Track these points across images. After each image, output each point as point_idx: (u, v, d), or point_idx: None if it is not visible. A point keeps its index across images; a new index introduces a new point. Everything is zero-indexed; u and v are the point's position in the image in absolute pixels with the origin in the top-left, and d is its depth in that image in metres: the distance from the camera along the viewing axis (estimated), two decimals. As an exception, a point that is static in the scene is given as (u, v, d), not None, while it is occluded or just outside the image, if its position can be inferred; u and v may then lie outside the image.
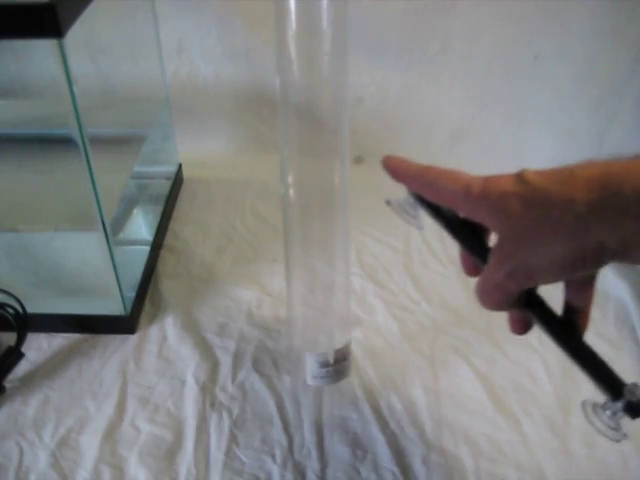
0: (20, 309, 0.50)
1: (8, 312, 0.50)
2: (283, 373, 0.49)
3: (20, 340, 0.49)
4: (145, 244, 0.60)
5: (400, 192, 0.36)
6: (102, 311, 0.52)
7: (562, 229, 0.26)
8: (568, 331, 0.32)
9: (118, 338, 0.53)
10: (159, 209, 0.65)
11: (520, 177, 0.28)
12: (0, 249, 0.53)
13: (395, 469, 0.43)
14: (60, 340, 0.52)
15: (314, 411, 0.47)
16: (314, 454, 0.44)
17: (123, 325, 0.53)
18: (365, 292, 0.57)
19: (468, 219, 0.32)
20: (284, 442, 0.45)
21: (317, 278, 0.42)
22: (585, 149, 0.72)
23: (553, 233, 0.27)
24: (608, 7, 0.69)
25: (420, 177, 0.33)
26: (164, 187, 0.68)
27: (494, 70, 0.73)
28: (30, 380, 0.49)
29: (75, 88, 0.40)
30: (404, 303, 0.56)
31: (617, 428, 0.30)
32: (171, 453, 0.44)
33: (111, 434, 0.45)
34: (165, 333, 0.53)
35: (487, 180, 0.29)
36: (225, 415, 0.46)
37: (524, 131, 0.75)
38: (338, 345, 0.43)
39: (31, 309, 0.50)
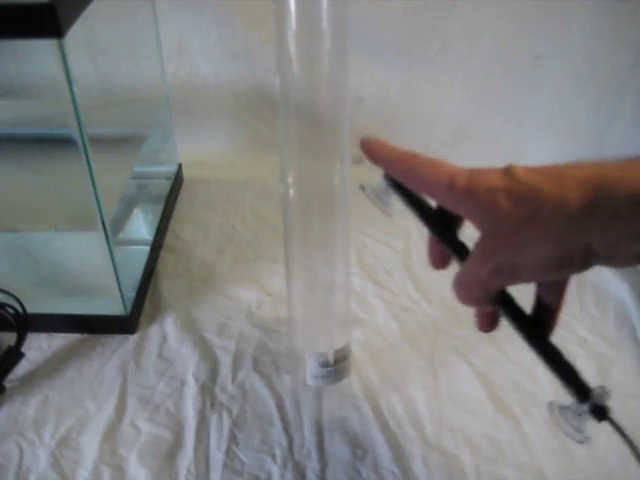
0: (20, 309, 0.50)
1: (8, 312, 0.50)
2: (283, 373, 0.50)
3: (20, 340, 0.49)
4: (145, 244, 0.60)
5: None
6: (102, 311, 0.52)
7: (552, 229, 0.26)
8: (538, 330, 0.32)
9: (118, 338, 0.53)
10: (159, 209, 0.65)
11: (509, 172, 0.27)
12: (0, 249, 0.53)
13: (395, 469, 0.43)
14: (60, 340, 0.52)
15: (314, 411, 0.47)
16: (314, 454, 0.44)
17: (123, 325, 0.53)
18: (365, 292, 0.57)
19: (443, 210, 0.31)
20: (284, 442, 0.45)
21: (317, 278, 0.42)
22: (585, 149, 0.72)
23: (542, 232, 0.26)
24: (608, 7, 0.69)
25: (402, 164, 0.31)
26: (164, 187, 0.68)
27: (494, 70, 0.73)
28: (30, 380, 0.49)
29: (75, 88, 0.40)
30: (404, 303, 0.56)
31: (581, 430, 0.30)
32: (171, 453, 0.44)
33: (111, 434, 0.45)
34: (165, 333, 0.53)
35: (473, 173, 0.28)
36: (225, 415, 0.46)
37: (524, 131, 0.75)
38: (338, 345, 0.43)
39: (31, 309, 0.50)
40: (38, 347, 0.52)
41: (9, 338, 0.50)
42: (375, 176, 0.78)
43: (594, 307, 0.56)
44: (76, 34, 0.39)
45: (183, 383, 0.49)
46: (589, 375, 0.49)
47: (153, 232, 0.62)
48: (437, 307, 0.56)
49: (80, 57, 0.42)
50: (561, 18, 0.70)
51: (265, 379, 0.49)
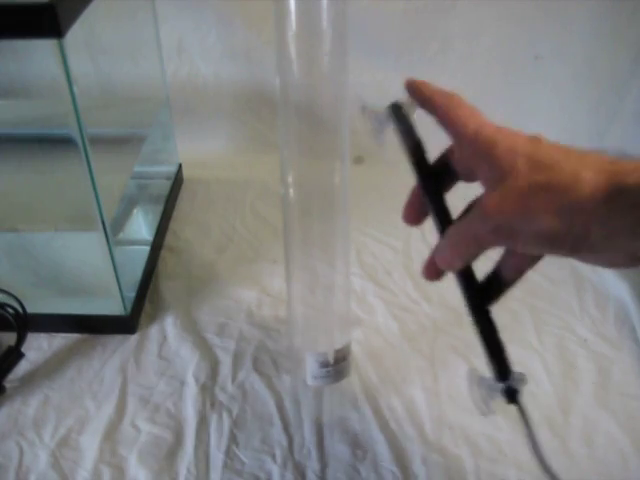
0: (20, 309, 0.50)
1: (8, 312, 0.50)
2: (283, 373, 0.50)
3: (20, 340, 0.49)
4: (145, 244, 0.60)
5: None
6: (102, 311, 0.52)
7: (561, 203, 0.26)
8: (482, 299, 0.32)
9: (118, 338, 0.53)
10: (159, 209, 0.65)
11: (534, 140, 0.28)
12: (0, 249, 0.53)
13: (395, 469, 0.43)
14: (60, 340, 0.52)
15: (314, 411, 0.47)
16: (314, 454, 0.44)
17: (123, 325, 0.53)
18: (365, 292, 0.57)
19: (440, 166, 0.32)
20: (284, 442, 0.45)
21: (317, 278, 0.42)
22: (585, 149, 0.72)
23: (550, 204, 0.26)
24: (608, 8, 0.69)
25: (442, 96, 0.32)
26: (164, 187, 0.68)
27: (494, 70, 0.73)
28: (30, 380, 0.49)
29: (75, 88, 0.40)
30: (404, 303, 0.56)
31: (489, 404, 0.32)
32: (171, 453, 0.44)
33: (111, 434, 0.45)
34: (165, 333, 0.53)
35: (501, 130, 0.29)
36: (225, 415, 0.46)
37: (524, 131, 0.75)
38: (338, 345, 0.43)
39: (31, 309, 0.50)
40: (38, 347, 0.52)
41: (9, 338, 0.50)
42: (375, 176, 0.78)
43: (594, 307, 0.56)
44: (76, 34, 0.39)
45: (183, 383, 0.49)
46: (589, 375, 0.50)
47: (153, 232, 0.62)
48: (437, 307, 0.56)
49: (80, 57, 0.42)
50: (561, 18, 0.70)
51: (265, 379, 0.49)
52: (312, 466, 0.43)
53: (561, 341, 0.52)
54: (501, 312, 0.55)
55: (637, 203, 0.25)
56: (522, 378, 0.32)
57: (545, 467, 0.33)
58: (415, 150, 0.33)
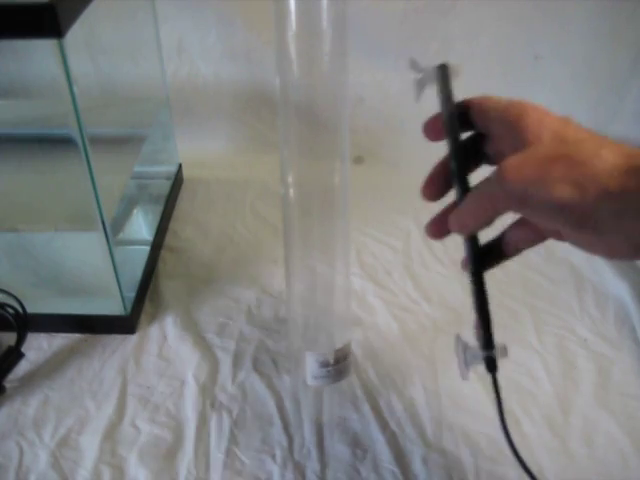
0: (20, 309, 0.50)
1: (8, 312, 0.50)
2: (283, 373, 0.50)
3: (20, 340, 0.49)
4: (145, 244, 0.60)
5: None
6: (102, 311, 0.52)
7: (577, 173, 0.27)
8: (481, 261, 0.34)
9: (118, 338, 0.53)
10: (159, 209, 0.65)
11: (564, 119, 0.30)
12: (0, 249, 0.53)
13: (395, 469, 0.43)
14: (60, 340, 0.52)
15: (314, 411, 0.47)
16: (314, 454, 0.44)
17: (123, 325, 0.53)
18: (365, 292, 0.57)
19: (471, 142, 0.33)
20: (284, 442, 0.45)
21: (317, 278, 0.42)
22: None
23: (567, 173, 0.27)
24: (608, 8, 0.69)
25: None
26: (164, 187, 0.68)
27: (494, 70, 0.73)
28: (30, 380, 0.49)
29: (75, 88, 0.40)
30: (404, 303, 0.56)
31: (469, 369, 0.34)
32: (171, 453, 0.44)
33: (111, 434, 0.45)
34: (165, 333, 0.53)
35: (532, 105, 0.31)
36: (225, 415, 0.46)
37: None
38: (338, 345, 0.43)
39: (31, 309, 0.50)
40: (38, 347, 0.52)
41: (9, 338, 0.50)
42: (375, 176, 0.78)
43: (594, 307, 0.56)
44: (76, 34, 0.39)
45: (183, 383, 0.49)
46: (589, 375, 0.50)
47: (153, 232, 0.62)
48: (437, 307, 0.56)
49: (80, 57, 0.42)
50: (560, 18, 0.70)
51: (265, 379, 0.49)
52: (312, 466, 0.43)
53: (561, 341, 0.52)
54: (501, 312, 0.56)
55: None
56: (503, 351, 0.35)
57: (509, 440, 0.36)
58: (451, 111, 0.33)
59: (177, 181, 0.71)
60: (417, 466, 0.43)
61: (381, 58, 0.73)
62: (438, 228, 0.35)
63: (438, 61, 0.35)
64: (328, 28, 0.34)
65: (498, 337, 0.52)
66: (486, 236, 0.34)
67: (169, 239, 0.64)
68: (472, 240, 0.34)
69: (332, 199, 0.40)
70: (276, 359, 0.51)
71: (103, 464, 0.43)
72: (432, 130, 0.35)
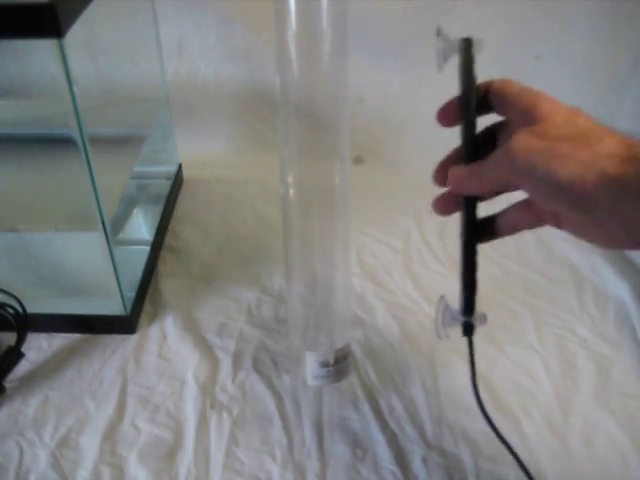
0: (20, 309, 0.50)
1: (8, 312, 0.50)
2: (283, 373, 0.50)
3: (20, 340, 0.49)
4: (145, 244, 0.60)
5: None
6: (102, 311, 0.52)
7: (582, 152, 0.28)
8: (475, 234, 0.35)
9: (118, 338, 0.53)
10: (159, 209, 0.65)
11: (574, 109, 0.31)
12: (0, 249, 0.53)
13: (395, 469, 0.43)
14: (60, 340, 0.52)
15: (314, 411, 0.47)
16: (314, 454, 0.44)
17: (123, 325, 0.53)
18: (365, 292, 0.57)
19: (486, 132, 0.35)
20: (284, 442, 0.45)
21: (317, 278, 0.42)
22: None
23: (572, 151, 0.28)
24: (607, 8, 0.69)
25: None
26: (164, 187, 0.68)
27: (494, 70, 0.73)
28: (30, 380, 0.49)
29: (75, 88, 0.40)
30: (404, 303, 0.56)
31: (447, 329, 0.37)
32: (171, 453, 0.44)
33: (111, 434, 0.45)
34: (165, 333, 0.53)
35: (545, 94, 0.33)
36: (225, 415, 0.46)
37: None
38: (338, 345, 0.43)
39: (31, 309, 0.50)
40: (38, 347, 0.52)
41: (9, 338, 0.50)
42: (375, 176, 0.78)
43: (594, 307, 0.56)
44: (76, 34, 0.39)
45: (183, 383, 0.49)
46: (589, 375, 0.50)
47: (153, 232, 0.62)
48: (437, 307, 0.56)
49: (80, 57, 0.42)
50: (560, 18, 0.70)
51: (265, 379, 0.49)
52: (312, 466, 0.43)
53: (561, 341, 0.52)
54: (501, 312, 0.56)
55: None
56: (482, 319, 0.36)
57: (481, 406, 0.38)
58: (468, 83, 0.34)
59: (177, 181, 0.71)
60: (417, 466, 0.43)
61: (381, 58, 0.73)
62: (444, 203, 0.36)
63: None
64: (328, 28, 0.34)
65: (498, 337, 0.53)
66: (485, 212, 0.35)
67: (169, 239, 0.64)
68: (469, 210, 0.35)
69: (332, 199, 0.40)
70: (276, 359, 0.51)
71: (103, 464, 0.43)
72: (446, 115, 0.35)
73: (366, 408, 0.47)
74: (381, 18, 0.71)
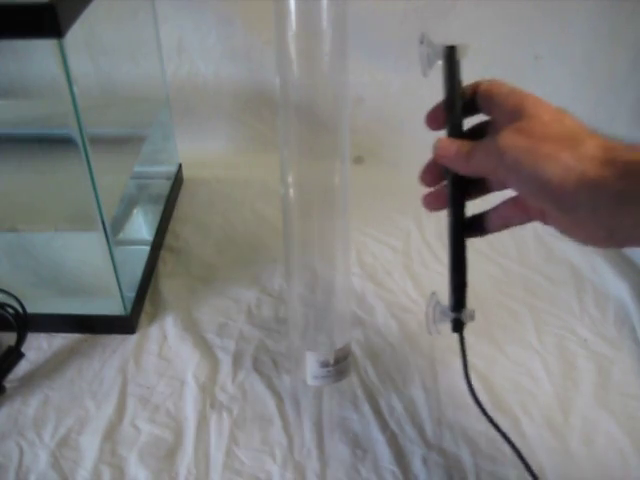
0: (20, 309, 0.50)
1: (8, 312, 0.50)
2: (283, 373, 0.50)
3: (20, 340, 0.49)
4: (145, 244, 0.60)
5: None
6: (102, 311, 0.52)
7: (565, 154, 0.29)
8: (463, 230, 0.36)
9: (118, 338, 0.53)
10: (159, 209, 0.65)
11: (559, 109, 0.32)
12: (0, 249, 0.53)
13: (395, 469, 0.43)
14: (60, 340, 0.52)
15: (314, 411, 0.47)
16: (314, 454, 0.44)
17: (123, 325, 0.53)
18: (365, 292, 0.57)
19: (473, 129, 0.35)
20: (284, 442, 0.45)
21: (317, 278, 0.42)
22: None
23: (556, 151, 0.29)
24: (607, 8, 0.69)
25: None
26: (164, 187, 0.68)
27: (494, 70, 0.73)
28: (30, 380, 0.49)
29: (75, 88, 0.40)
30: (404, 303, 0.56)
31: (436, 325, 0.38)
32: (171, 453, 0.44)
33: (111, 434, 0.45)
34: (165, 333, 0.53)
35: (532, 94, 0.33)
36: (225, 415, 0.46)
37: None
38: (338, 345, 0.43)
39: (31, 309, 0.50)
40: (38, 347, 0.52)
41: (9, 338, 0.50)
42: (375, 176, 0.78)
43: (594, 307, 0.56)
44: (76, 34, 0.39)
45: (183, 383, 0.49)
46: (589, 375, 0.50)
47: (153, 232, 0.62)
48: (437, 307, 0.56)
49: (80, 57, 0.42)
50: (560, 18, 0.70)
51: (265, 379, 0.49)
52: (312, 466, 0.43)
53: (561, 341, 0.52)
54: (501, 312, 0.56)
55: (623, 174, 0.28)
56: (471, 316, 0.37)
57: (475, 397, 0.39)
58: (452, 91, 0.35)
59: (177, 181, 0.71)
60: (417, 466, 0.43)
61: (381, 58, 0.73)
62: (434, 197, 0.37)
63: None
64: (328, 28, 0.34)
65: (498, 337, 0.53)
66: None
67: (169, 239, 0.64)
68: (456, 205, 0.35)
69: (332, 199, 0.40)
70: (276, 359, 0.51)
71: (103, 464, 0.43)
72: (434, 119, 0.36)
73: (366, 408, 0.47)
74: (381, 18, 0.71)
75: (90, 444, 0.44)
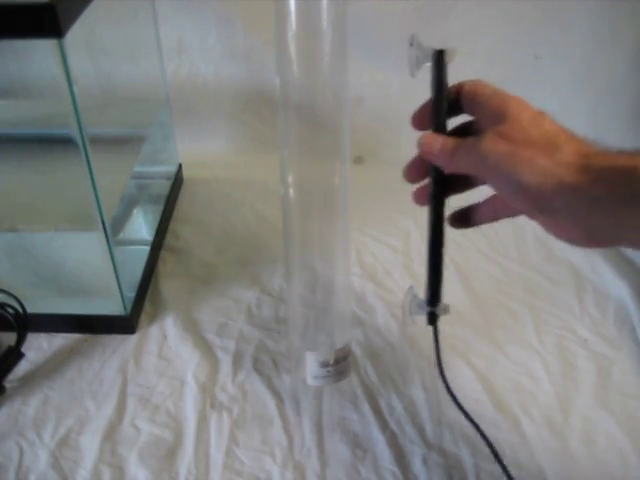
0: (20, 309, 0.50)
1: (8, 312, 0.50)
2: (283, 373, 0.50)
3: (20, 340, 0.49)
4: (145, 244, 0.60)
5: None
6: (102, 311, 0.52)
7: (542, 160, 0.30)
8: (442, 226, 0.37)
9: (118, 338, 0.53)
10: (159, 209, 0.65)
11: (540, 111, 0.33)
12: (0, 249, 0.53)
13: (395, 469, 0.43)
14: (60, 340, 0.52)
15: (314, 411, 0.47)
16: (314, 454, 0.44)
17: (123, 325, 0.53)
18: (365, 292, 0.57)
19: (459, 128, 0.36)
20: (284, 442, 0.45)
21: (317, 278, 0.42)
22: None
23: (534, 157, 0.30)
24: (607, 8, 0.69)
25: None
26: (164, 187, 0.68)
27: (494, 70, 0.73)
28: (30, 380, 0.49)
29: (75, 88, 0.40)
30: (404, 303, 0.56)
31: (412, 317, 0.40)
32: (171, 453, 0.44)
33: (111, 434, 0.45)
34: (165, 333, 0.53)
35: (514, 96, 0.34)
36: (225, 415, 0.46)
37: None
38: (338, 345, 0.43)
39: (31, 309, 0.50)
40: (38, 347, 0.52)
41: (9, 338, 0.50)
42: (375, 176, 0.78)
43: (594, 307, 0.56)
44: (76, 34, 0.39)
45: (183, 383, 0.49)
46: (589, 375, 0.50)
47: (153, 232, 0.62)
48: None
49: (80, 57, 0.42)
50: (560, 19, 0.70)
51: (265, 379, 0.49)
52: (312, 466, 0.43)
53: (561, 341, 0.52)
54: (501, 312, 0.56)
55: (596, 180, 0.28)
56: (445, 309, 0.39)
57: (447, 385, 0.41)
58: (439, 93, 0.35)
59: (177, 181, 0.71)
60: (417, 466, 0.43)
61: (381, 58, 0.73)
62: (423, 192, 0.38)
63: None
64: (328, 28, 0.34)
65: (498, 337, 0.53)
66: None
67: (169, 239, 0.64)
68: (436, 203, 0.36)
69: (332, 199, 0.40)
70: (276, 359, 0.51)
71: (103, 464, 0.43)
72: (419, 119, 0.37)
73: (366, 408, 0.47)
74: (381, 18, 0.71)
75: (90, 444, 0.44)
